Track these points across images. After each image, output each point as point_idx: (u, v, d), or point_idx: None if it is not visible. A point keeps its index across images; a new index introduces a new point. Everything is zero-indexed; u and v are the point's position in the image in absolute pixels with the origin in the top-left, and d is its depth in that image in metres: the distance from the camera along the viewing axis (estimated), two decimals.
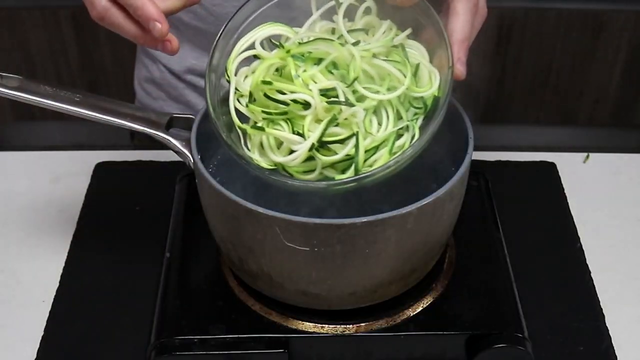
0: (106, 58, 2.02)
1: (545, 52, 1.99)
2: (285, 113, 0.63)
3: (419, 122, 0.66)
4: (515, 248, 0.82)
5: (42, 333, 0.77)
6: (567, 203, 0.93)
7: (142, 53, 1.08)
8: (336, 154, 0.63)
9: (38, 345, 0.76)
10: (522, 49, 2.00)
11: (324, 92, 0.63)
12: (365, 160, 0.63)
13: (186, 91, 1.04)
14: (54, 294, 0.81)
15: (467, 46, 0.70)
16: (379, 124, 0.65)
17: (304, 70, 0.64)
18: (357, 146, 0.62)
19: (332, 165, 0.64)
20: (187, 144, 0.70)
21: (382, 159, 0.64)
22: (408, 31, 0.67)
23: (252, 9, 0.68)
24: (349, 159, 0.63)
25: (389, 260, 0.65)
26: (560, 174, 0.97)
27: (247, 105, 0.65)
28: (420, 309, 0.72)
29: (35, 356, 0.75)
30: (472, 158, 0.68)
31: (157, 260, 0.78)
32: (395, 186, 0.68)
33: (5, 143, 2.24)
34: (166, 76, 1.04)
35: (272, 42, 0.68)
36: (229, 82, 0.66)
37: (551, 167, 0.98)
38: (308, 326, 0.70)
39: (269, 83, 0.63)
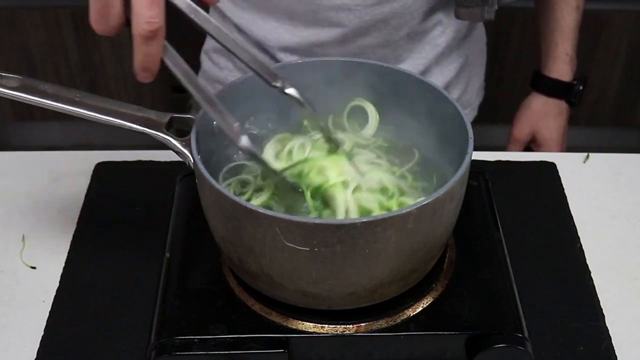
0: (106, 58, 2.02)
1: None
2: None
3: None
4: (515, 248, 0.82)
5: (42, 333, 0.77)
6: (567, 203, 0.93)
7: (220, 19, 1.11)
8: None
9: (38, 345, 0.76)
10: (522, 49, 2.00)
11: None
12: None
13: None
14: (54, 294, 0.81)
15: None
16: None
17: None
18: None
19: None
20: (187, 144, 0.70)
21: None
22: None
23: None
24: None
25: (389, 260, 0.65)
26: (560, 174, 0.97)
27: None
28: (420, 309, 0.72)
29: (35, 356, 0.75)
30: (472, 158, 0.68)
31: (157, 260, 0.78)
32: None
33: (5, 143, 2.24)
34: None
35: None
36: None
37: (551, 167, 0.98)
38: (308, 326, 0.70)
39: None
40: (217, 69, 1.13)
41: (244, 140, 0.67)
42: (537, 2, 1.20)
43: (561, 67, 1.18)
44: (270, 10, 1.02)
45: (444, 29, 1.05)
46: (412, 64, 1.06)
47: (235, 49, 0.69)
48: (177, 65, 0.65)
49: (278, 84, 0.71)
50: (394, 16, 0.99)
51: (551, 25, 1.17)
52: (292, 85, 0.71)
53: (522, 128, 1.21)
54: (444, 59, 1.09)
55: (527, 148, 1.24)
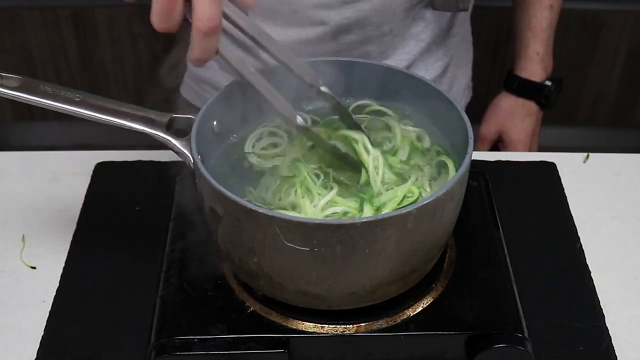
0: (106, 58, 2.02)
1: None
2: None
3: None
4: (515, 248, 0.82)
5: (42, 333, 0.77)
6: (567, 203, 0.93)
7: None
8: None
9: (38, 345, 0.76)
10: None
11: None
12: None
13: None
14: (54, 294, 0.81)
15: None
16: None
17: None
18: None
19: None
20: (187, 144, 0.70)
21: None
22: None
23: None
24: None
25: (389, 260, 0.65)
26: (560, 174, 0.97)
27: None
28: (420, 309, 0.72)
29: (35, 356, 0.75)
30: (472, 158, 0.68)
31: (157, 261, 0.78)
32: None
33: (5, 143, 2.24)
34: (222, 46, 1.07)
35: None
36: None
37: (551, 167, 0.98)
38: (308, 326, 0.70)
39: None
40: (203, 69, 1.13)
41: (299, 120, 0.70)
42: (514, 1, 1.20)
43: (532, 67, 1.16)
44: (253, 10, 1.03)
45: (427, 24, 1.05)
46: (396, 60, 1.06)
47: (270, 45, 0.72)
48: (231, 56, 0.69)
49: (312, 81, 0.73)
50: (375, 13, 1.00)
51: (523, 23, 1.16)
52: (325, 84, 0.74)
53: (488, 127, 1.20)
54: (429, 56, 1.09)
55: (495, 147, 1.23)
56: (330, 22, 1.00)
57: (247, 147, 0.77)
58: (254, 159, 0.76)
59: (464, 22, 1.13)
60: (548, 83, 1.17)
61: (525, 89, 1.18)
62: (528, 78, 1.17)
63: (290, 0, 0.99)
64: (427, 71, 1.10)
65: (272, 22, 1.02)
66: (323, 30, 1.01)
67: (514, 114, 1.19)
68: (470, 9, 1.09)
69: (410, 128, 0.79)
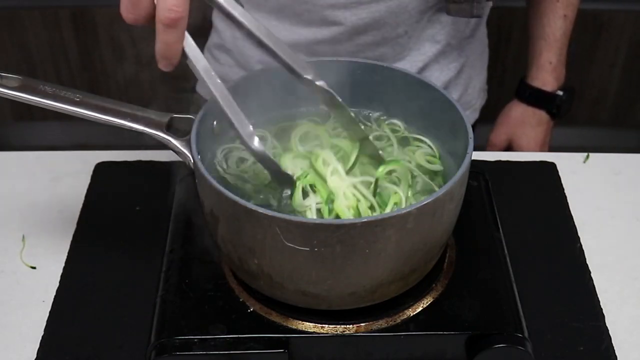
0: (106, 58, 2.02)
1: None
2: None
3: None
4: (515, 248, 0.82)
5: (42, 333, 0.77)
6: (567, 203, 0.93)
7: (218, 18, 1.13)
8: None
9: (38, 345, 0.76)
10: (522, 49, 2.00)
11: None
12: None
13: (253, 60, 1.08)
14: (54, 294, 0.81)
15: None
16: None
17: None
18: None
19: None
20: (187, 144, 0.70)
21: None
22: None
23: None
24: None
25: (389, 260, 0.65)
26: (560, 174, 0.97)
27: None
28: (420, 309, 0.72)
29: (35, 356, 0.75)
30: (472, 158, 0.68)
31: (156, 261, 0.78)
32: None
33: (5, 143, 2.24)
34: (238, 42, 1.08)
35: None
36: None
37: (551, 167, 0.98)
38: (308, 326, 0.70)
39: None
40: (218, 65, 1.14)
41: (257, 143, 0.68)
42: (528, 10, 1.20)
43: (543, 76, 1.16)
44: (268, 10, 1.03)
45: (443, 27, 1.05)
46: (411, 61, 1.06)
47: (269, 39, 0.70)
48: (197, 59, 0.67)
49: (309, 76, 0.72)
50: (391, 14, 1.00)
51: (536, 32, 1.16)
52: (323, 78, 0.73)
53: (499, 134, 1.21)
54: (445, 57, 1.09)
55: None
56: (345, 22, 1.00)
57: (218, 160, 0.75)
58: (226, 176, 0.75)
59: (480, 24, 1.13)
60: (560, 93, 1.17)
61: (537, 98, 1.17)
62: (540, 87, 1.17)
63: None
64: (442, 72, 1.10)
65: (288, 21, 1.02)
66: (338, 31, 1.01)
67: (524, 122, 1.19)
68: (486, 14, 1.09)
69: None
